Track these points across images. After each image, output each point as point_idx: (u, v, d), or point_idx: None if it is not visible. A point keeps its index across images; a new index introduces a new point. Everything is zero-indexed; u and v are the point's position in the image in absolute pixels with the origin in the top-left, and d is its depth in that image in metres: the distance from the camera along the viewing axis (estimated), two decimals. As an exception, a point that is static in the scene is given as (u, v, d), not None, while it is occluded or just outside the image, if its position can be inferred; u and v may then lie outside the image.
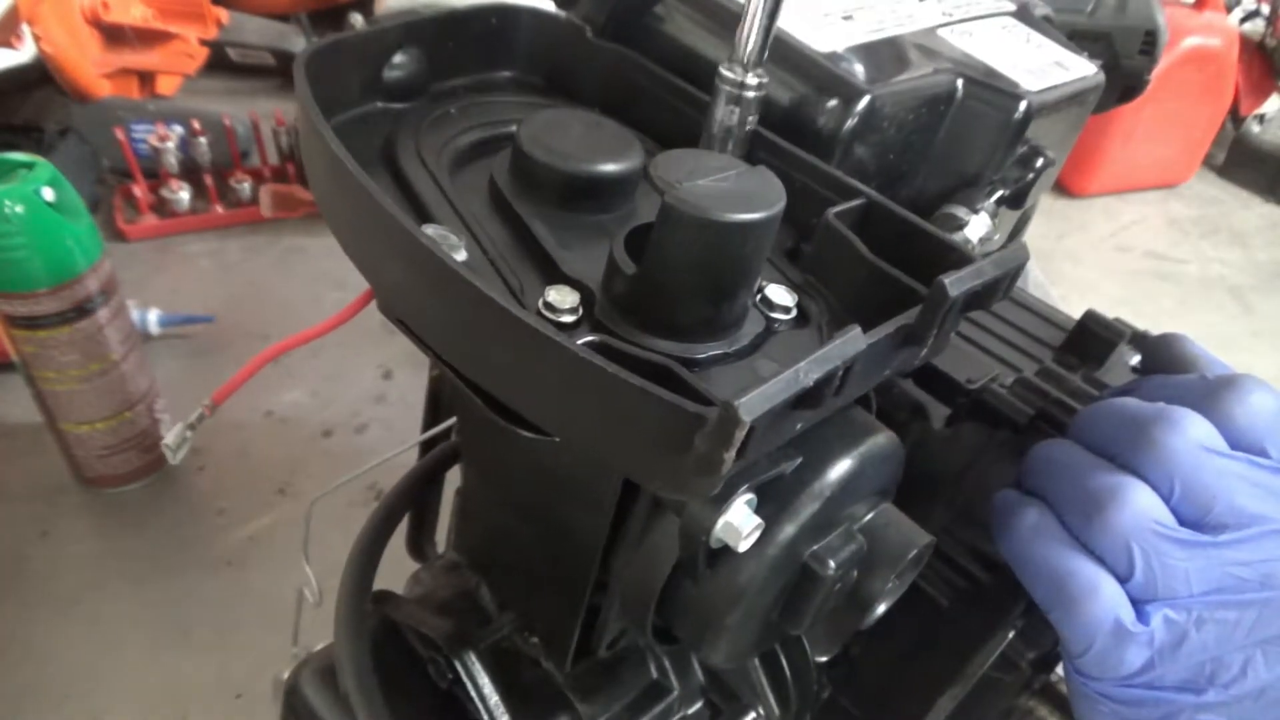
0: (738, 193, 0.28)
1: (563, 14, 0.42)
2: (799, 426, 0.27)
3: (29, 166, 0.62)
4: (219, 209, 1.04)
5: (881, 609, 0.35)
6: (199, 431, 0.58)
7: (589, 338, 0.28)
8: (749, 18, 0.32)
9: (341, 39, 0.35)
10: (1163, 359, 0.41)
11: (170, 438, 0.52)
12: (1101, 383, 0.43)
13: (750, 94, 0.34)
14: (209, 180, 1.04)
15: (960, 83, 0.41)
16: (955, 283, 0.28)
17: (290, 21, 1.30)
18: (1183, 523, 0.31)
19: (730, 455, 0.23)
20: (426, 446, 0.53)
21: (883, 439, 0.33)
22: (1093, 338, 0.43)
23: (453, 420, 0.51)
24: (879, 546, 0.33)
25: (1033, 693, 0.48)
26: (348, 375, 0.89)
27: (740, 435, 0.22)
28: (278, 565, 0.72)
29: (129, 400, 0.72)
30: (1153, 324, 0.45)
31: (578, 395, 0.25)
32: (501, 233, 0.33)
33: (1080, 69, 0.45)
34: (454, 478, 0.49)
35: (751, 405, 0.22)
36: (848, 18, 0.42)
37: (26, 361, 0.67)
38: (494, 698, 0.40)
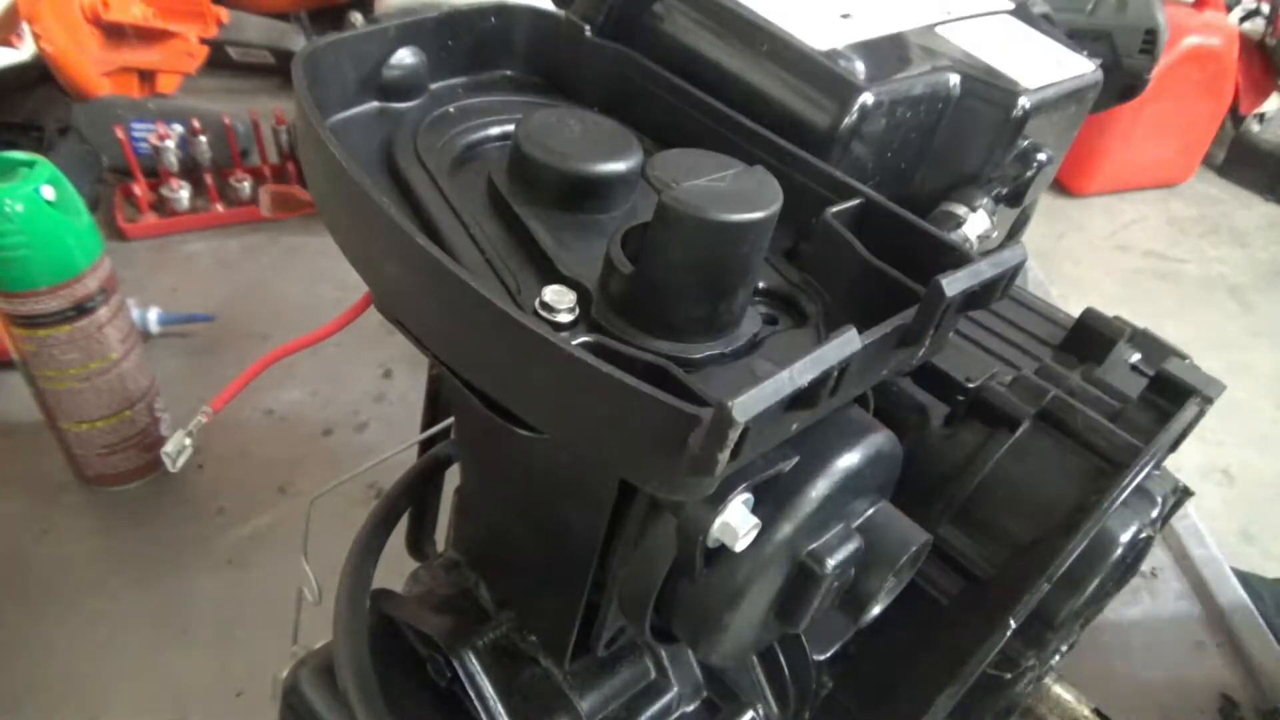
0: (735, 192, 0.28)
1: (561, 13, 0.42)
2: (795, 427, 0.27)
3: (29, 165, 0.62)
4: (219, 208, 1.04)
5: (879, 607, 0.35)
6: (199, 430, 0.58)
7: (585, 338, 0.29)
8: None
9: (340, 39, 0.35)
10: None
11: (169, 446, 0.53)
12: (1101, 381, 0.43)
13: None
14: (209, 179, 1.04)
15: (958, 80, 0.41)
16: (952, 283, 0.28)
17: (290, 20, 1.30)
18: None
19: (724, 456, 0.23)
20: (426, 445, 0.53)
21: (880, 438, 0.33)
22: (1092, 336, 0.43)
23: (452, 419, 0.51)
24: (876, 545, 0.33)
25: (1032, 692, 0.48)
26: (348, 374, 0.89)
27: (734, 435, 0.22)
28: (278, 564, 0.72)
29: (129, 399, 0.72)
30: (1152, 323, 0.45)
31: (573, 395, 0.25)
32: (499, 232, 0.33)
33: (1079, 67, 0.45)
34: (454, 476, 0.49)
35: (745, 406, 0.22)
36: (846, 16, 0.42)
37: (26, 360, 0.67)
38: (492, 696, 0.40)
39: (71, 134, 1.01)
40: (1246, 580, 0.85)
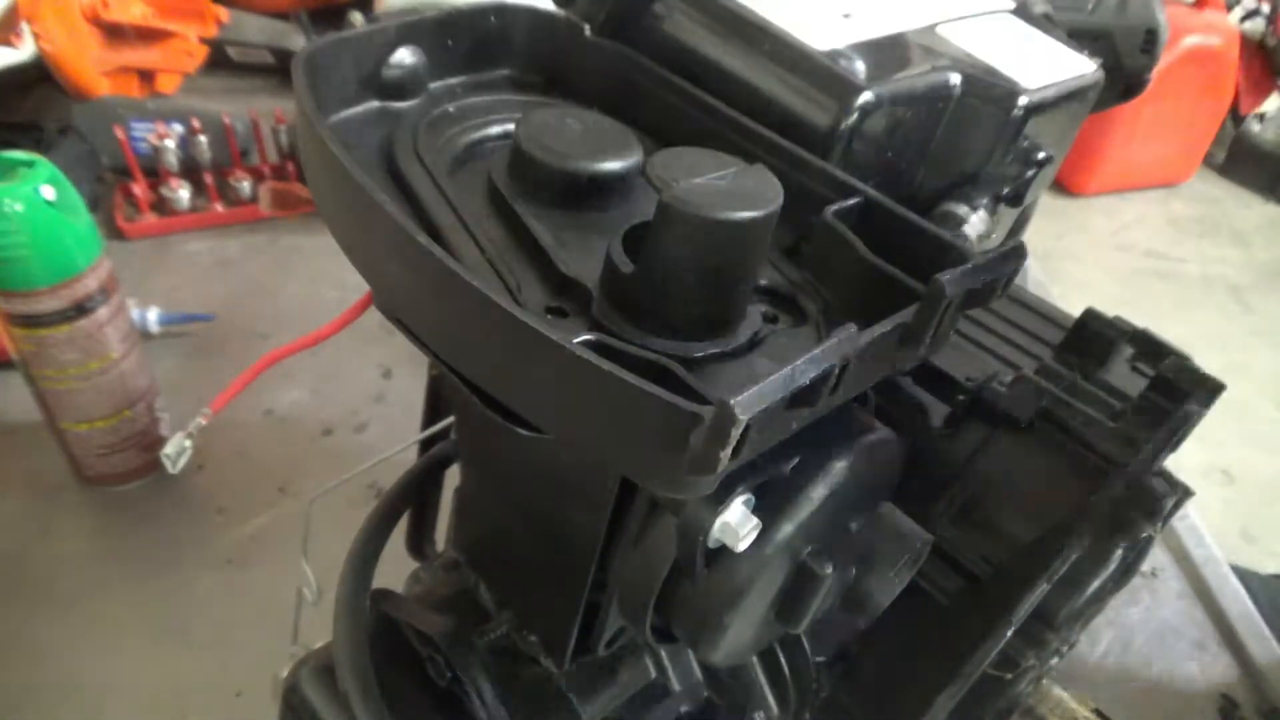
0: (735, 191, 0.28)
1: (561, 12, 0.42)
2: (796, 425, 0.27)
3: (29, 165, 0.62)
4: (219, 207, 1.04)
5: (880, 607, 0.35)
6: (198, 431, 0.58)
7: (586, 336, 0.28)
8: None
9: (340, 38, 0.35)
10: None
11: (169, 447, 0.52)
12: (1101, 381, 0.43)
13: None
14: (209, 179, 1.04)
15: (959, 80, 0.41)
16: (952, 281, 0.28)
17: (290, 19, 1.30)
18: None
19: (726, 454, 0.23)
20: (426, 445, 0.53)
21: (881, 438, 0.33)
22: (1092, 336, 0.43)
23: (452, 419, 0.51)
24: (877, 545, 0.33)
25: (1032, 692, 0.48)
26: (347, 374, 0.89)
27: (736, 434, 0.22)
28: (277, 564, 0.72)
29: (129, 399, 0.72)
30: (1152, 323, 0.45)
31: (574, 394, 0.25)
32: (499, 232, 0.33)
33: (1079, 67, 0.45)
34: (454, 476, 0.49)
35: (747, 404, 0.22)
36: (847, 15, 0.42)
37: (26, 360, 0.67)
38: (492, 696, 0.40)
39: (71, 134, 1.01)
40: (1242, 576, 0.85)
